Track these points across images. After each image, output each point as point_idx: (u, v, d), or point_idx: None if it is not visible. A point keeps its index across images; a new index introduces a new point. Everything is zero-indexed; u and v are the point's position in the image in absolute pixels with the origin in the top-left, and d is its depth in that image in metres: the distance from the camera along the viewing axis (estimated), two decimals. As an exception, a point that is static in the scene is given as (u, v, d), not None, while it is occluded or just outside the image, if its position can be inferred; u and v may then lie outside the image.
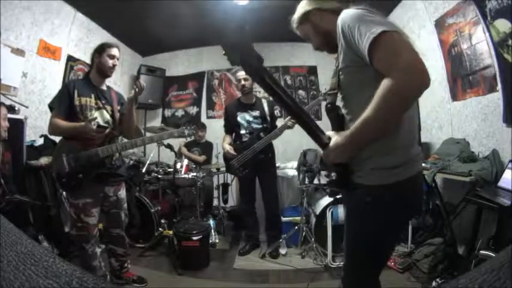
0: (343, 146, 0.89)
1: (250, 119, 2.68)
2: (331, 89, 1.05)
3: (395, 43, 0.77)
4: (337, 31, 0.90)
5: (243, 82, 2.62)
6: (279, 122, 2.73)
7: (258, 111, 2.68)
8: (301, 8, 1.06)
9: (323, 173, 3.02)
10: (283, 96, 0.88)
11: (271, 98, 2.63)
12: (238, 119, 2.68)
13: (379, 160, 0.89)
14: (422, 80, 0.75)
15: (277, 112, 2.86)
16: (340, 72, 0.96)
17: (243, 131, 2.67)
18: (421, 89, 0.76)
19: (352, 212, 1.04)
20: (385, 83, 0.76)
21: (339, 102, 1.03)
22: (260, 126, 2.66)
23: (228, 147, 2.62)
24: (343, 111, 1.00)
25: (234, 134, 2.78)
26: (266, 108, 2.69)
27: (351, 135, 0.87)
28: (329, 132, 0.98)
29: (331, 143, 0.92)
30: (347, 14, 0.87)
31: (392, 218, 0.94)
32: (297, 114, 0.94)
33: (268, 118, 2.68)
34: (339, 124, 0.99)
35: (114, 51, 1.87)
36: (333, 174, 1.02)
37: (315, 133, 0.94)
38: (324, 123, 1.03)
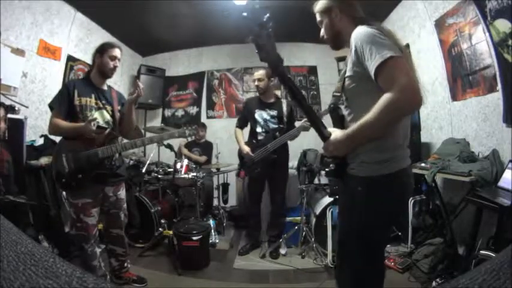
0: (341, 142, 1.03)
1: (268, 117, 2.69)
2: (336, 92, 1.17)
3: (398, 68, 0.92)
4: (350, 44, 1.03)
5: (256, 83, 2.71)
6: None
7: (276, 111, 2.69)
8: (327, 0, 1.15)
9: (323, 172, 3.02)
10: (296, 91, 1.03)
11: (290, 99, 2.77)
12: (256, 116, 2.71)
13: (368, 155, 1.03)
14: (414, 100, 0.91)
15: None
16: (346, 79, 1.08)
17: (259, 129, 2.70)
18: (413, 106, 0.95)
19: (346, 202, 1.15)
20: (384, 97, 0.91)
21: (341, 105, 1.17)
22: (276, 126, 2.66)
23: (247, 149, 2.62)
24: (345, 112, 1.13)
25: (250, 131, 2.81)
26: (284, 109, 2.69)
27: (348, 133, 1.01)
28: (331, 129, 1.10)
29: (332, 137, 1.06)
30: (361, 31, 0.99)
31: (382, 206, 1.02)
32: (306, 109, 1.08)
33: (285, 119, 2.67)
34: (339, 123, 1.14)
35: (116, 52, 1.86)
36: (331, 165, 1.15)
37: (319, 127, 1.07)
38: (326, 122, 1.12)
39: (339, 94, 1.14)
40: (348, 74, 1.07)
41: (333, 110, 1.16)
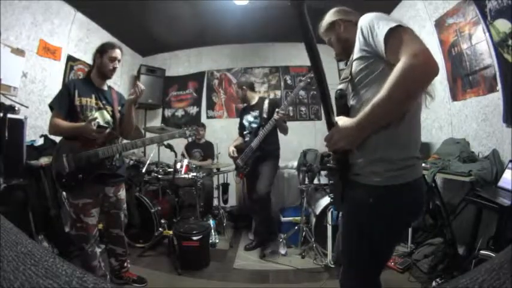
0: (350, 129, 0.90)
1: (252, 119, 2.78)
2: (344, 78, 1.08)
3: (408, 35, 0.85)
4: (357, 28, 0.96)
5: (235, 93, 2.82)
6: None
7: (258, 111, 2.76)
8: (328, 18, 1.19)
9: (323, 173, 3.02)
10: (314, 47, 0.85)
11: (283, 101, 2.87)
12: (243, 121, 2.85)
13: (379, 157, 0.92)
14: (430, 65, 0.80)
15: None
16: (354, 62, 1.00)
17: (245, 132, 2.81)
18: (429, 72, 0.81)
19: (353, 212, 1.04)
20: (396, 67, 0.81)
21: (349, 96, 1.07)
22: (257, 125, 2.72)
23: (230, 149, 2.79)
24: (352, 101, 1.02)
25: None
26: (265, 106, 2.72)
27: (358, 119, 0.89)
28: (338, 117, 0.98)
29: (339, 123, 0.94)
30: (368, 14, 0.96)
31: (394, 218, 0.95)
32: (319, 76, 0.90)
33: (265, 115, 2.69)
34: (344, 112, 1.02)
35: (116, 53, 1.85)
36: (332, 162, 1.04)
37: (328, 106, 0.94)
38: (323, 124, 1.07)
39: (347, 79, 1.04)
40: (355, 56, 0.99)
41: (341, 96, 1.04)
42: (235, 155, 2.75)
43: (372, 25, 0.90)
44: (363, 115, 0.87)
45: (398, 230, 1.03)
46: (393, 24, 0.85)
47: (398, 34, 0.84)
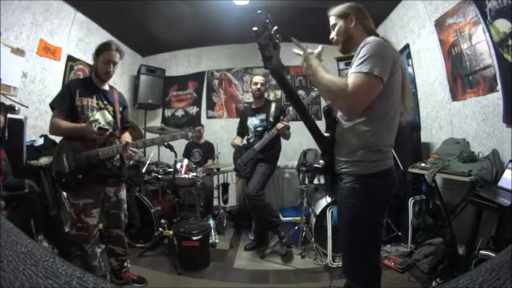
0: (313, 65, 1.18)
1: (257, 122, 2.78)
2: None
3: (365, 83, 1.06)
4: (359, 48, 1.13)
5: (258, 86, 2.77)
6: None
7: (265, 114, 2.76)
8: (346, 8, 1.26)
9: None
10: (295, 96, 1.18)
11: (283, 101, 2.99)
12: (248, 123, 2.82)
13: (363, 156, 1.14)
14: (347, 107, 1.13)
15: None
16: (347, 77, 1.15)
17: (250, 134, 2.81)
18: (343, 109, 1.17)
19: (343, 198, 1.23)
20: (340, 81, 1.09)
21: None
22: (263, 128, 2.72)
23: (235, 141, 2.81)
24: (340, 113, 1.23)
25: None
26: (273, 110, 2.73)
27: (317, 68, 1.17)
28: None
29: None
30: (375, 40, 1.11)
31: (375, 197, 1.15)
32: (302, 112, 1.19)
33: (271, 119, 2.69)
34: (331, 124, 1.25)
35: (111, 56, 1.77)
36: (321, 161, 1.26)
37: (314, 130, 1.20)
38: (323, 123, 1.23)
39: None
40: (350, 72, 1.13)
41: (327, 111, 1.27)
42: (240, 144, 2.78)
43: (365, 54, 1.07)
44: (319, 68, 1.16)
45: (379, 205, 1.20)
46: (366, 70, 1.04)
47: (360, 77, 1.05)
